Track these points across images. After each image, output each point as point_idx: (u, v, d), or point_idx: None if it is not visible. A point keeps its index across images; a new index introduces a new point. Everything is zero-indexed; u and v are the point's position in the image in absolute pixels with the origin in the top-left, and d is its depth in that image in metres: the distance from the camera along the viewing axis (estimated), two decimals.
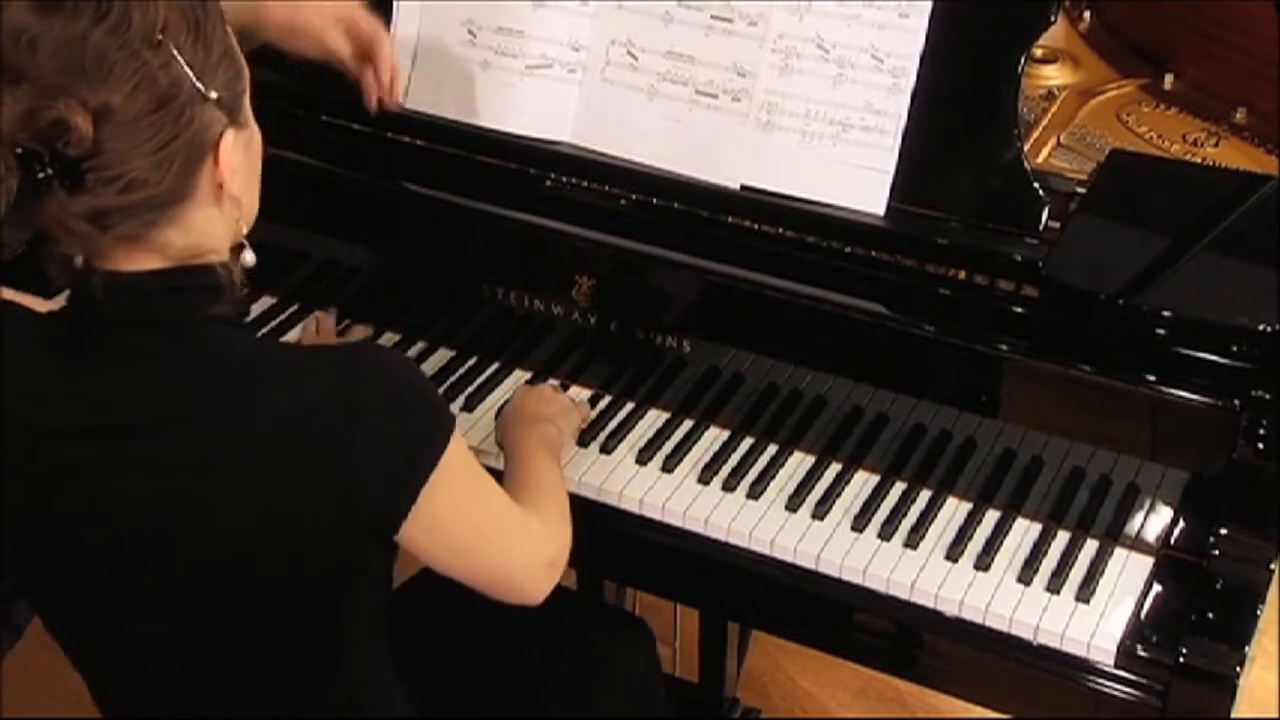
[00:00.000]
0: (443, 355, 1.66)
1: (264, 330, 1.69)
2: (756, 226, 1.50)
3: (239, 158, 1.12)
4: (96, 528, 1.12)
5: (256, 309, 1.72)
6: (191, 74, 1.06)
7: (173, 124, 1.06)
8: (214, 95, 1.08)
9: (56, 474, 1.12)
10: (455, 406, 1.59)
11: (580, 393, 1.60)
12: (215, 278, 1.12)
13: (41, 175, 1.03)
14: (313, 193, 1.66)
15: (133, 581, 1.14)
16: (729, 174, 1.51)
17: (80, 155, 1.03)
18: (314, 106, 1.65)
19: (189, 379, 1.10)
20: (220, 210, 1.12)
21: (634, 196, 1.53)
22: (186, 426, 1.09)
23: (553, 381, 1.60)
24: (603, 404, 1.59)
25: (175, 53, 1.05)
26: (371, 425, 1.10)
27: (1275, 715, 2.11)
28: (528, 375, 1.62)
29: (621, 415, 1.57)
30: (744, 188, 1.50)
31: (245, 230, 1.16)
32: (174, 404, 1.10)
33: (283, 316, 1.71)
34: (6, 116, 1.03)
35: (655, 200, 1.53)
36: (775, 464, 1.51)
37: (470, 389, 1.60)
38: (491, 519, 1.23)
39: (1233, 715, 1.29)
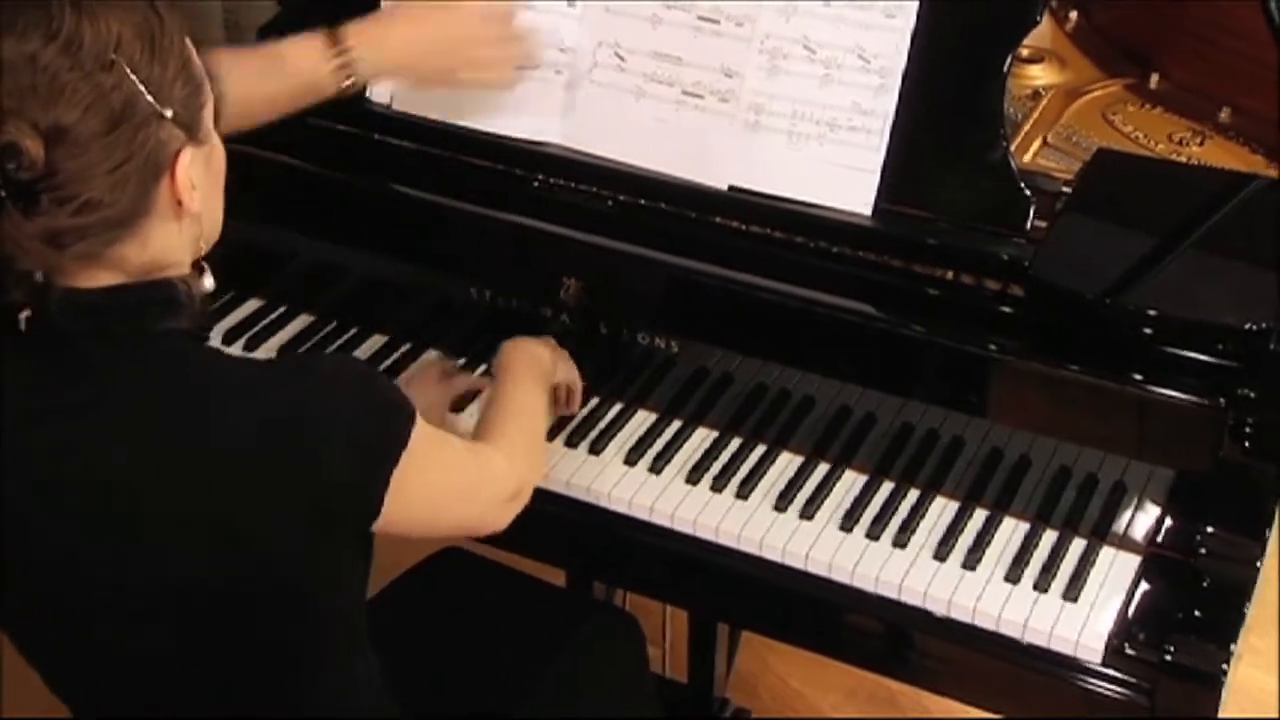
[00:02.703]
0: (430, 357, 1.66)
1: (251, 332, 1.68)
2: (744, 227, 1.50)
3: (198, 173, 1.10)
4: (65, 544, 1.11)
5: (243, 311, 1.72)
6: (146, 92, 1.05)
7: (127, 144, 1.04)
8: (169, 113, 1.06)
9: (25, 491, 1.11)
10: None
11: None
12: (174, 292, 1.11)
13: None
14: (299, 194, 1.66)
15: (102, 598, 1.12)
16: (717, 174, 1.51)
17: (32, 178, 1.02)
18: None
19: (147, 395, 1.09)
20: (179, 226, 1.11)
21: (622, 197, 1.54)
22: (146, 442, 1.08)
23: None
24: (591, 404, 1.59)
25: (129, 71, 1.04)
26: (333, 429, 1.10)
27: (1275, 715, 2.12)
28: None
29: (610, 416, 1.57)
30: (732, 188, 1.50)
31: (206, 247, 1.16)
32: (133, 420, 1.08)
33: (270, 318, 1.71)
34: None
35: (643, 201, 1.53)
36: (763, 464, 1.51)
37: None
38: (458, 481, 1.25)
39: (1220, 712, 1.29)
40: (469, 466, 1.27)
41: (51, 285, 1.09)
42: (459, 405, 1.58)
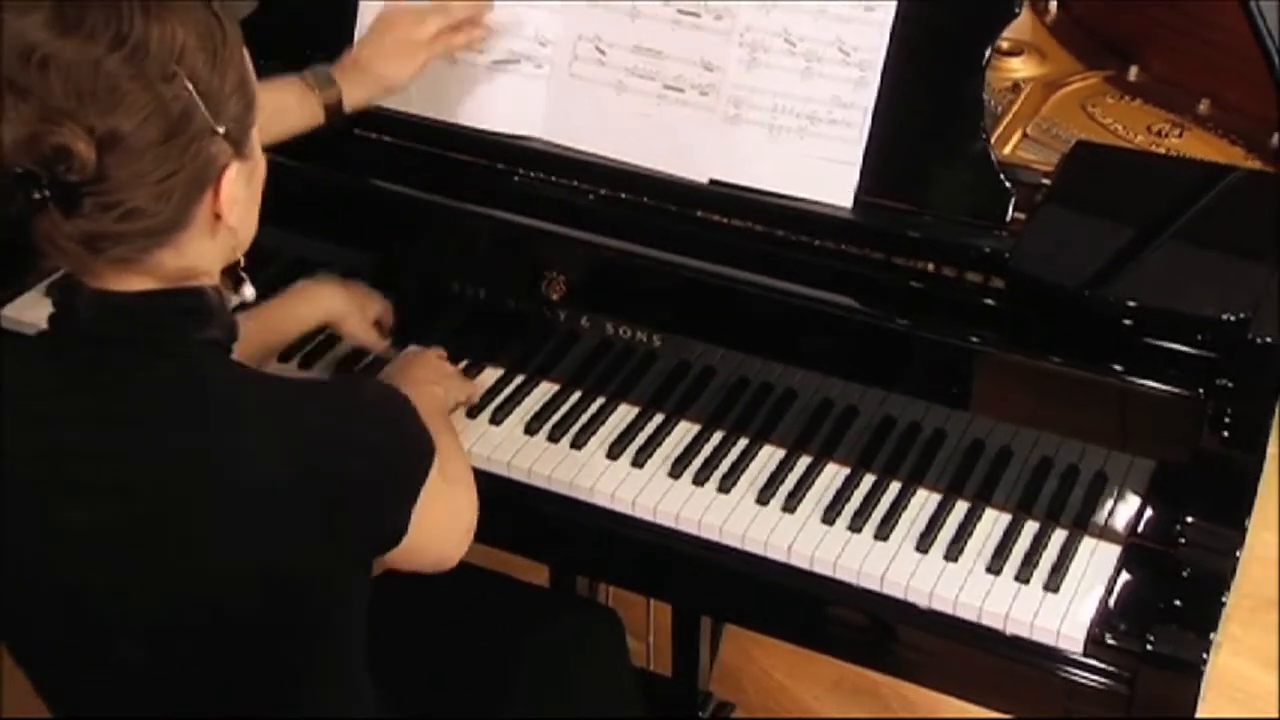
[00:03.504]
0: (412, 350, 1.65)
1: None
2: (725, 220, 1.50)
3: (239, 189, 1.10)
4: (70, 546, 1.10)
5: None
6: (203, 106, 1.04)
7: (178, 156, 1.04)
8: (222, 129, 1.06)
9: (44, 493, 1.10)
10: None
11: (549, 388, 1.60)
12: (205, 301, 1.10)
13: (37, 196, 1.01)
14: (278, 189, 1.65)
15: (103, 605, 1.11)
16: (698, 168, 1.51)
17: (80, 181, 1.01)
18: None
19: (174, 404, 1.08)
20: (215, 238, 1.11)
21: (603, 191, 1.53)
22: (168, 453, 1.07)
23: (438, 351, 1.59)
24: (573, 399, 1.59)
25: (189, 84, 1.03)
26: (359, 461, 1.09)
27: (1275, 716, 2.13)
28: (499, 372, 1.62)
29: (592, 410, 1.57)
30: (713, 182, 1.50)
31: (239, 255, 1.15)
32: (157, 429, 1.07)
33: None
34: (8, 135, 1.01)
35: (624, 195, 1.53)
36: (746, 457, 1.52)
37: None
38: (448, 515, 1.25)
39: (1200, 700, 1.30)
40: (454, 501, 1.27)
41: (81, 285, 1.08)
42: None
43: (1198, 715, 1.32)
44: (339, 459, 1.08)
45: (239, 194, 1.10)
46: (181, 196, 1.05)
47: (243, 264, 1.16)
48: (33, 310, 1.70)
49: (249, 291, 1.17)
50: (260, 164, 1.15)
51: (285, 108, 1.46)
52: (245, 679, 1.16)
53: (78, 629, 1.14)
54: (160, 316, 1.09)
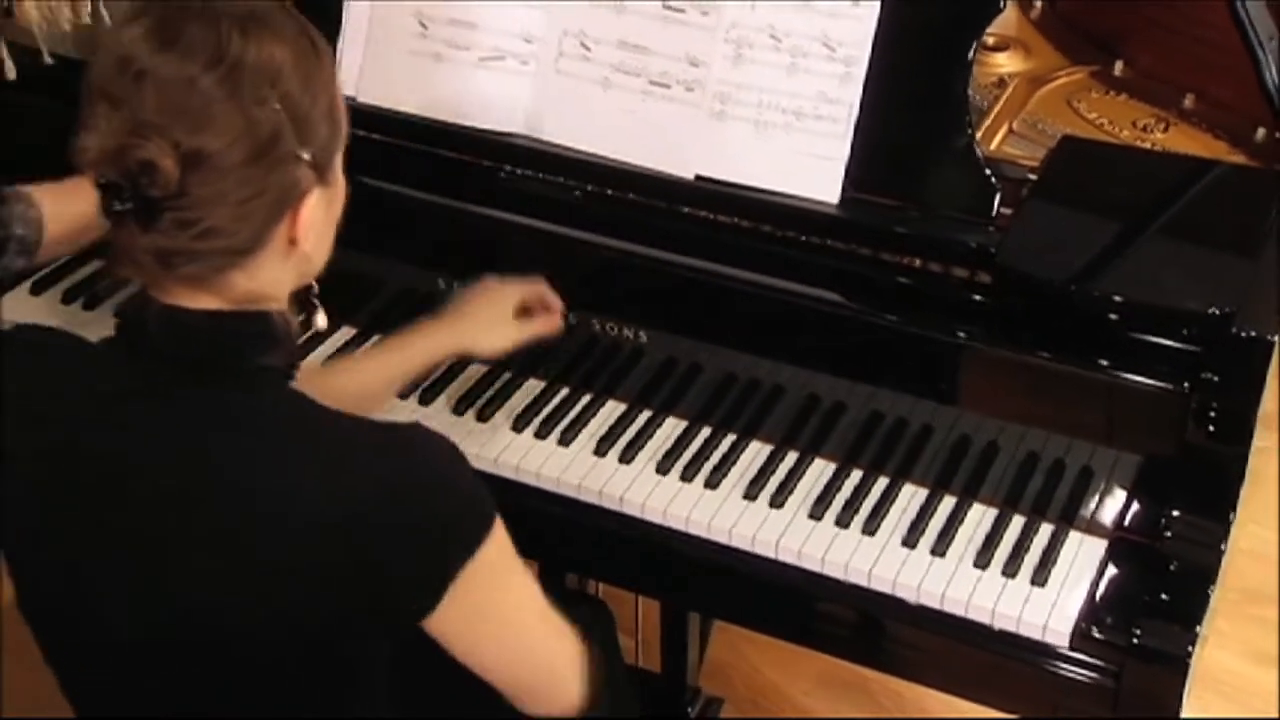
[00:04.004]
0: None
1: None
2: (711, 216, 1.50)
3: (318, 215, 1.10)
4: (105, 555, 1.09)
5: None
6: (292, 130, 1.04)
7: (262, 179, 1.03)
8: (308, 155, 1.06)
9: (84, 497, 1.09)
10: (411, 400, 1.58)
11: (536, 384, 1.60)
12: (271, 326, 1.10)
13: (118, 208, 1.01)
14: None
15: (126, 617, 1.10)
16: (683, 164, 1.51)
17: (161, 196, 1.01)
18: None
19: (225, 429, 1.07)
20: (288, 263, 1.10)
21: (589, 188, 1.53)
22: (214, 477, 1.06)
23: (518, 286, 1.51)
24: (560, 396, 1.59)
25: (280, 106, 1.03)
26: (404, 516, 1.05)
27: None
28: (484, 369, 1.61)
29: (579, 407, 1.57)
30: (698, 178, 1.50)
31: (310, 281, 1.15)
32: (207, 451, 1.06)
33: None
34: (96, 144, 1.01)
35: (610, 191, 1.53)
36: (733, 453, 1.52)
37: (425, 384, 1.60)
38: (528, 614, 1.16)
39: (1185, 694, 1.30)
40: (543, 609, 1.16)
41: (152, 300, 1.08)
42: None
43: (1184, 709, 1.32)
44: (380, 509, 1.04)
45: (317, 220, 1.09)
46: (260, 219, 1.05)
47: (316, 291, 1.16)
48: (17, 309, 1.70)
49: (321, 320, 1.17)
50: (340, 192, 1.14)
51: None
52: (252, 711, 1.14)
53: (94, 634, 1.14)
54: (224, 338, 1.08)
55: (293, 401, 1.11)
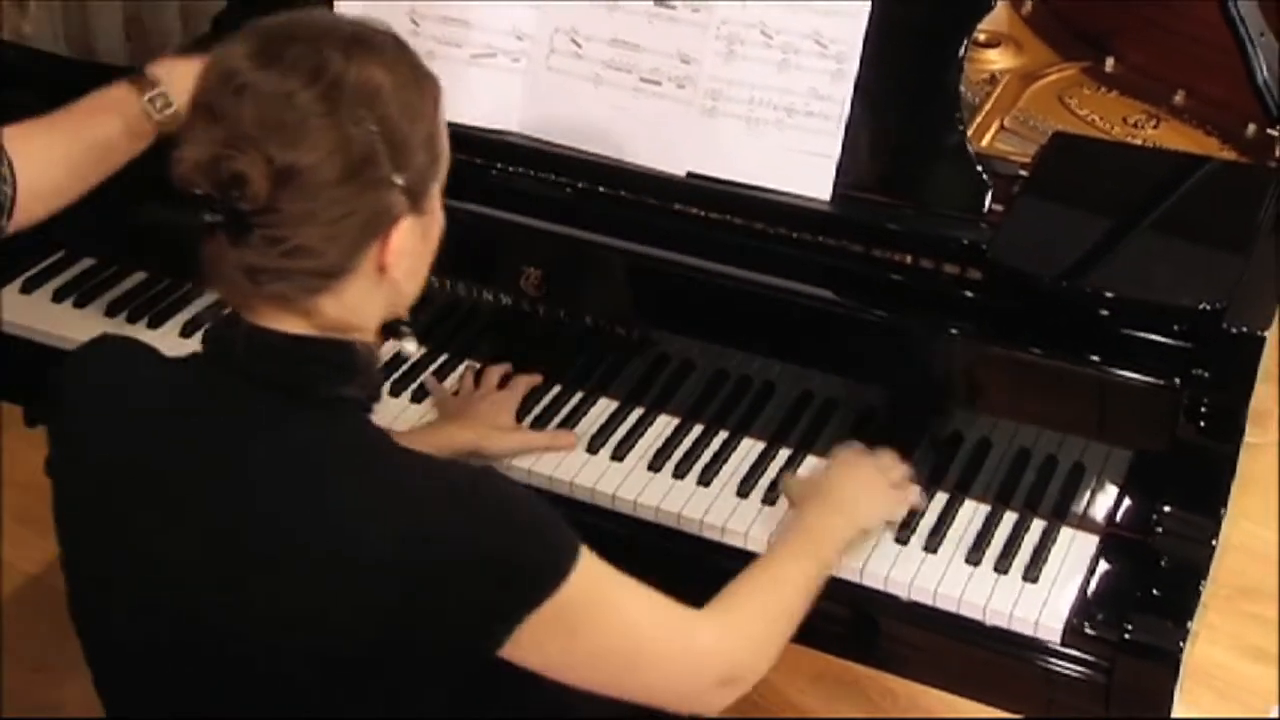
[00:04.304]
0: (390, 347, 1.64)
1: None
2: (703, 214, 1.50)
3: (412, 244, 1.09)
4: (162, 568, 1.09)
5: (204, 303, 1.71)
6: (387, 154, 1.04)
7: (353, 200, 1.03)
8: (401, 180, 1.05)
9: (151, 508, 1.09)
10: (404, 398, 1.58)
11: (529, 382, 1.60)
12: (353, 358, 1.10)
13: (209, 220, 1.02)
14: None
15: (180, 640, 1.10)
16: (675, 161, 1.51)
17: (251, 211, 1.01)
18: None
19: (299, 457, 1.06)
20: (378, 290, 1.10)
21: (580, 185, 1.53)
22: (283, 504, 1.05)
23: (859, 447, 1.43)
24: (552, 393, 1.59)
25: (376, 128, 1.03)
26: (474, 558, 1.03)
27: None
28: (476, 367, 1.61)
29: (571, 404, 1.57)
30: (690, 175, 1.50)
31: (401, 312, 1.14)
32: (279, 477, 1.06)
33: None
34: (191, 155, 1.02)
35: (602, 188, 1.53)
36: (725, 450, 1.52)
37: (414, 384, 1.59)
38: (630, 641, 1.12)
39: (1177, 689, 1.31)
40: (648, 632, 1.13)
41: (241, 319, 1.08)
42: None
43: (1176, 704, 1.32)
44: (446, 553, 1.03)
45: (409, 248, 1.09)
46: (349, 241, 1.05)
47: (408, 320, 1.16)
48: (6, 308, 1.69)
49: (411, 347, 1.17)
50: (437, 224, 1.13)
51: (93, 114, 1.40)
52: None
53: (140, 647, 1.13)
54: (305, 365, 1.08)
55: (367, 435, 1.10)
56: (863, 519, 1.36)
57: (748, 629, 1.20)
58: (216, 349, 1.11)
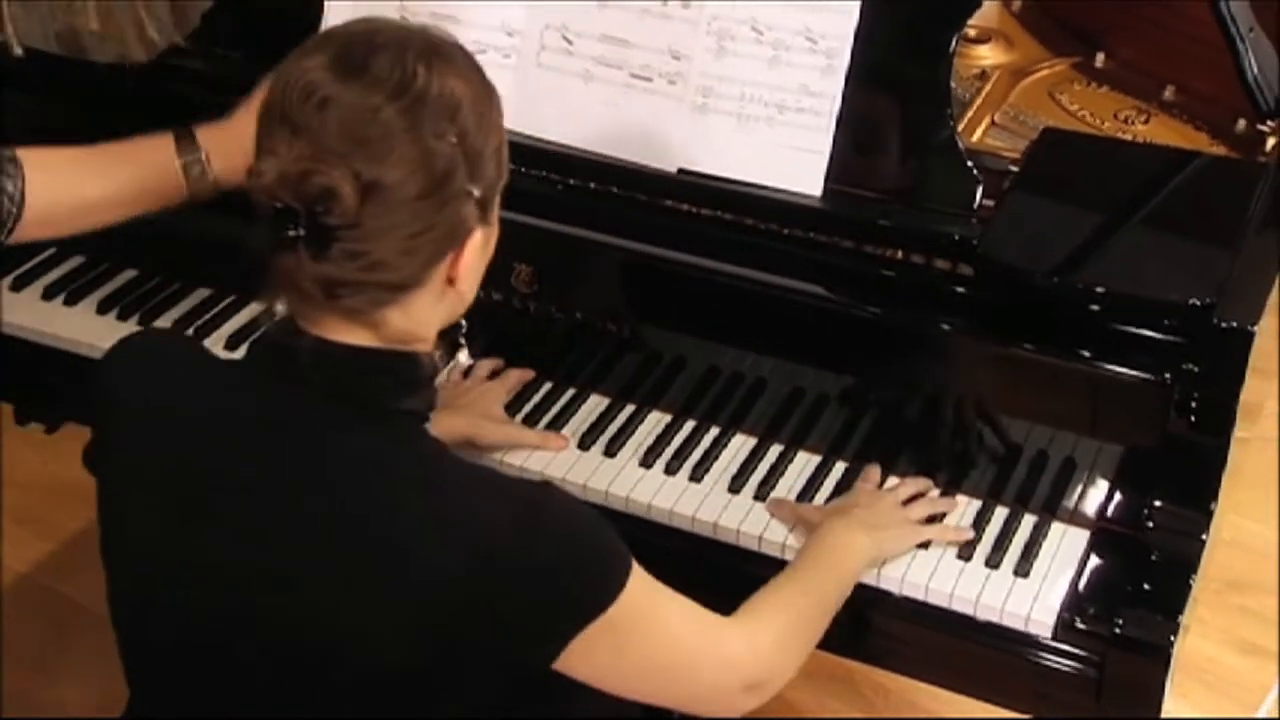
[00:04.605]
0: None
1: (203, 321, 1.67)
2: (694, 210, 1.50)
3: (478, 256, 1.10)
4: (214, 577, 1.08)
5: (195, 300, 1.70)
6: (465, 167, 1.04)
7: (432, 214, 1.03)
8: (477, 192, 1.06)
9: (205, 517, 1.08)
10: None
11: (519, 373, 1.59)
12: (419, 371, 1.10)
13: (290, 234, 1.01)
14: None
15: (224, 641, 1.09)
16: (666, 157, 1.51)
17: (336, 225, 1.00)
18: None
19: (360, 470, 1.06)
20: (442, 302, 1.10)
21: (571, 181, 1.53)
22: (343, 516, 1.05)
23: (877, 474, 1.46)
24: (543, 390, 1.59)
25: (456, 142, 1.03)
26: (532, 575, 1.04)
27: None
28: (468, 364, 1.61)
29: (563, 401, 1.57)
30: (681, 171, 1.50)
31: (458, 319, 1.15)
32: (340, 490, 1.05)
33: (220, 307, 1.70)
34: (275, 169, 1.01)
35: (593, 185, 1.52)
36: (718, 447, 1.52)
37: None
38: (670, 651, 1.14)
39: (1168, 683, 1.31)
40: (686, 642, 1.15)
41: (301, 329, 1.07)
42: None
43: (1167, 698, 1.33)
44: (505, 568, 1.03)
45: (476, 261, 1.10)
46: (426, 255, 1.05)
47: (465, 328, 1.16)
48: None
49: (465, 356, 1.18)
50: (495, 231, 1.13)
51: (132, 161, 1.39)
52: None
53: (183, 651, 1.13)
54: (371, 378, 1.07)
55: (429, 448, 1.10)
56: (884, 543, 1.37)
57: (773, 638, 1.22)
58: (274, 358, 1.09)
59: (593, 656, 1.08)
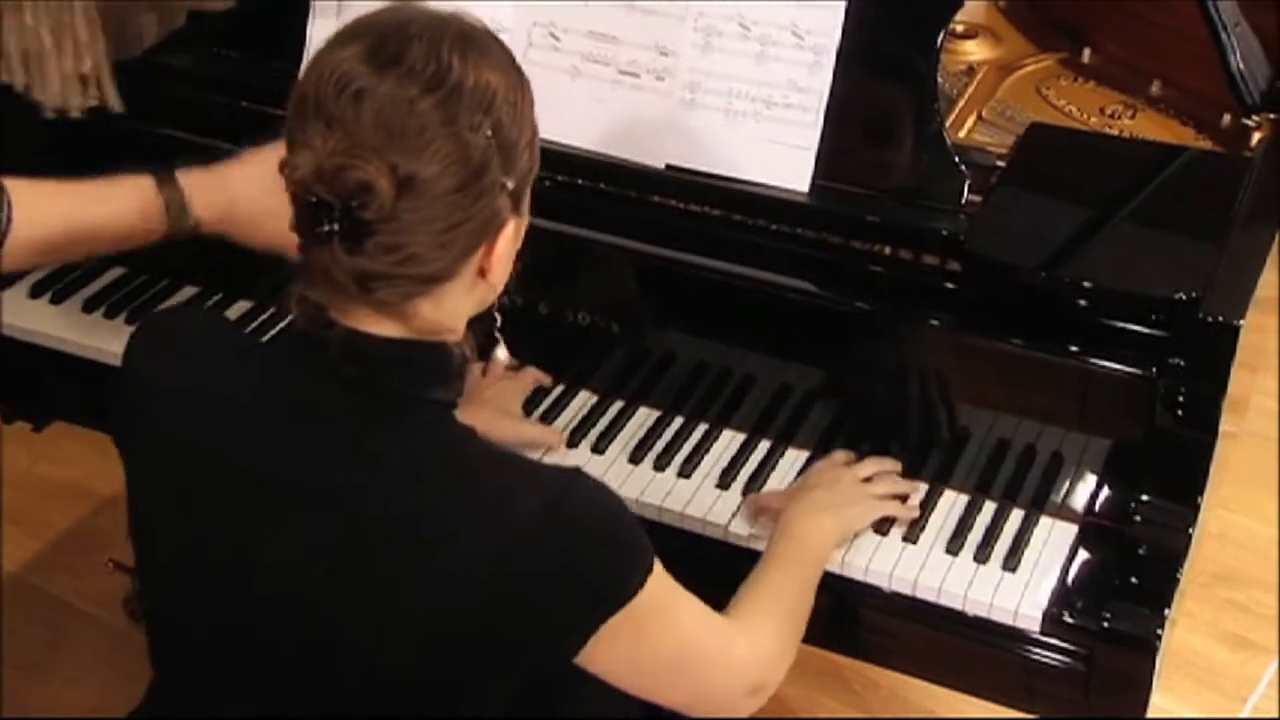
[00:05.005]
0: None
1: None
2: (682, 206, 1.50)
3: (509, 246, 1.09)
4: (250, 567, 1.08)
5: (182, 298, 1.70)
6: (499, 159, 1.03)
7: (468, 206, 1.03)
8: (511, 183, 1.05)
9: (230, 510, 1.08)
10: None
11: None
12: (449, 361, 1.09)
13: (325, 228, 1.00)
14: None
15: (264, 634, 1.10)
16: (654, 153, 1.51)
17: (372, 219, 1.00)
18: (236, 92, 1.64)
19: (393, 460, 1.06)
20: (472, 293, 1.10)
21: (559, 178, 1.53)
22: (377, 506, 1.05)
23: (844, 456, 1.47)
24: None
25: (491, 134, 1.03)
26: (563, 564, 1.04)
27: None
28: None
29: (552, 398, 1.57)
30: (669, 167, 1.50)
31: (487, 308, 1.14)
32: (373, 480, 1.05)
33: (207, 305, 1.69)
34: (310, 162, 1.00)
35: (581, 181, 1.52)
36: (706, 442, 1.52)
37: None
38: (684, 647, 1.15)
39: (1156, 676, 1.31)
40: (701, 640, 1.16)
41: (333, 320, 1.06)
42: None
43: (1154, 691, 1.33)
44: (534, 548, 1.03)
45: (508, 251, 1.09)
46: (460, 248, 1.04)
47: (500, 324, 1.16)
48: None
49: (502, 354, 1.18)
50: (526, 221, 1.13)
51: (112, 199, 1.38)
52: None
53: (210, 635, 1.13)
54: (403, 368, 1.07)
55: (458, 435, 1.10)
56: (848, 520, 1.38)
57: (771, 640, 1.22)
58: (305, 349, 1.09)
59: (614, 647, 1.08)
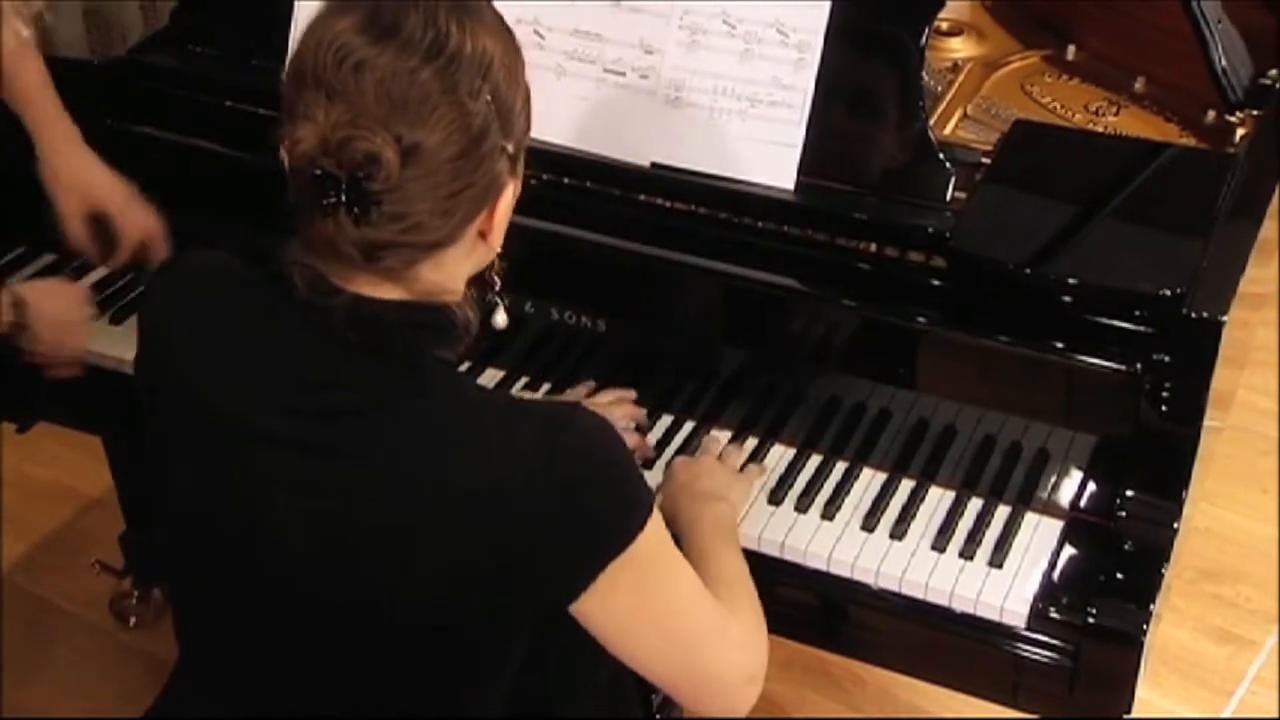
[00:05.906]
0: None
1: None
2: (668, 204, 1.50)
3: (508, 208, 1.10)
4: (264, 528, 1.09)
5: None
6: (498, 123, 1.04)
7: (470, 173, 1.03)
8: (510, 146, 1.06)
9: (247, 473, 1.09)
10: None
11: (494, 374, 1.60)
12: (452, 320, 1.10)
13: (331, 200, 1.00)
14: (221, 179, 1.64)
15: (277, 593, 1.11)
16: (639, 152, 1.50)
17: (378, 190, 1.00)
18: (219, 91, 1.63)
19: (400, 418, 1.06)
20: (472, 256, 1.11)
21: (545, 176, 1.52)
22: (387, 461, 1.06)
23: (718, 437, 1.50)
24: (517, 386, 1.59)
25: (490, 99, 1.03)
26: (567, 499, 1.05)
27: (1217, 685, 2.16)
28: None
29: (539, 397, 1.57)
30: (654, 165, 1.50)
31: (483, 268, 1.15)
32: (381, 438, 1.06)
33: None
34: (314, 135, 1.00)
35: (566, 180, 1.52)
36: (692, 441, 1.52)
37: None
38: (686, 614, 1.14)
39: (1141, 671, 1.32)
40: (700, 611, 1.15)
41: (339, 289, 1.07)
42: None
43: (1140, 686, 1.33)
44: (539, 486, 1.04)
45: (507, 213, 1.10)
46: (463, 213, 1.05)
47: (499, 287, 1.16)
48: None
49: (501, 318, 1.18)
50: (520, 181, 1.13)
51: None
52: (388, 687, 1.13)
53: (242, 600, 1.14)
54: (408, 330, 1.08)
55: (461, 389, 1.12)
56: (735, 499, 1.40)
57: (755, 625, 1.22)
58: (316, 316, 1.08)
59: (614, 596, 1.08)
